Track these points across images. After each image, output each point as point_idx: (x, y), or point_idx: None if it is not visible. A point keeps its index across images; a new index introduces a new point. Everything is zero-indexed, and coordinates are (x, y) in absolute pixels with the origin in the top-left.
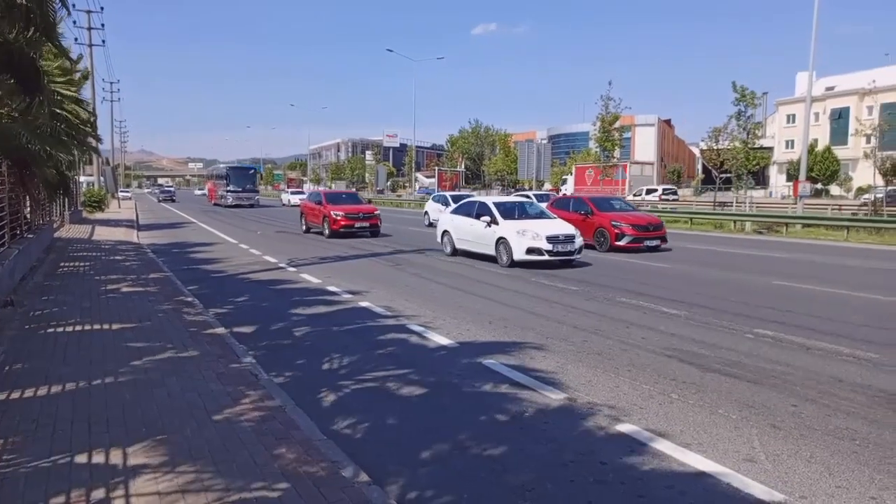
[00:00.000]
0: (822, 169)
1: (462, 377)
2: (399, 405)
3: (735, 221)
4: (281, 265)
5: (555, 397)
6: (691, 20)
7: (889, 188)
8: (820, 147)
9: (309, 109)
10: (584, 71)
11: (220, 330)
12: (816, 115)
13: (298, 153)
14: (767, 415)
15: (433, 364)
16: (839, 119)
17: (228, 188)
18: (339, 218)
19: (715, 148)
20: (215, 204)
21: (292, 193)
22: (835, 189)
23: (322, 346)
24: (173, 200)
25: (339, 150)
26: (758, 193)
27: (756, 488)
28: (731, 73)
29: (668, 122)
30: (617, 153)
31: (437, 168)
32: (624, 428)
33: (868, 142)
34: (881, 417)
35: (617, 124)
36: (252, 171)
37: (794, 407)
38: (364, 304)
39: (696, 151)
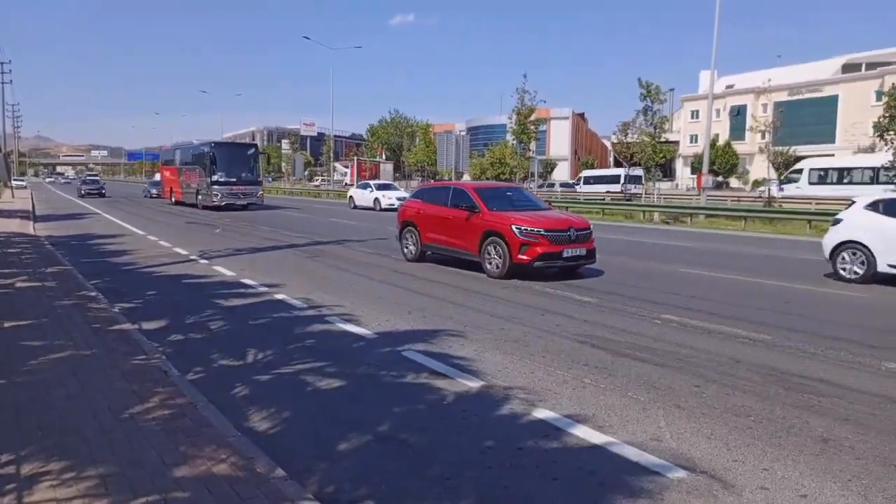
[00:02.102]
0: (723, 162)
1: (381, 368)
2: (317, 398)
3: (644, 212)
4: (192, 257)
5: (473, 385)
6: (603, 14)
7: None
8: (721, 142)
9: (222, 96)
10: (501, 63)
11: (127, 326)
12: (718, 111)
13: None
14: (672, 396)
15: (352, 355)
16: (738, 116)
17: (215, 178)
18: (531, 238)
19: (625, 141)
20: (178, 203)
21: (378, 188)
22: (734, 181)
23: (236, 341)
24: (102, 195)
25: (254, 139)
26: (665, 185)
27: (661, 465)
28: (642, 68)
29: (581, 115)
30: (533, 146)
31: (355, 157)
32: (539, 413)
33: (763, 137)
34: (773, 394)
35: (533, 117)
36: (252, 150)
37: (696, 387)
38: (280, 296)
39: (608, 144)
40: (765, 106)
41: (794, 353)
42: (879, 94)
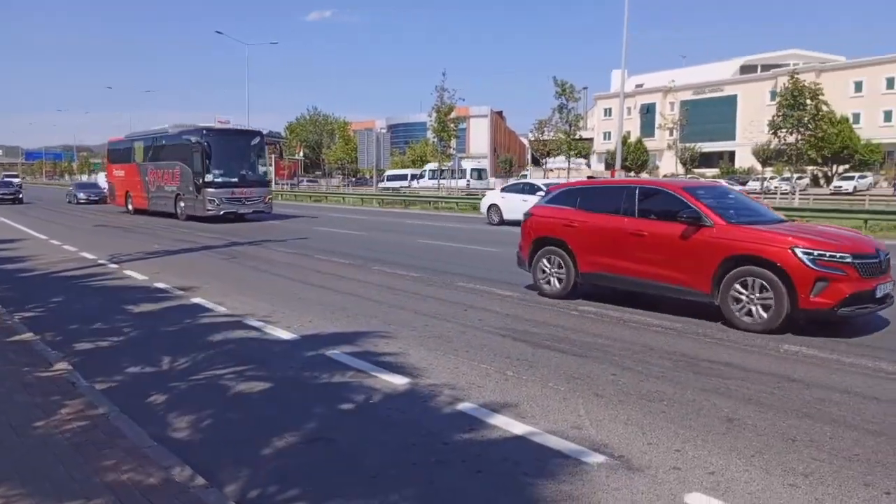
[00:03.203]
0: (635, 158)
1: (304, 370)
2: (238, 403)
3: None
4: (101, 262)
5: (397, 382)
6: (519, 12)
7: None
8: (633, 138)
9: (130, 93)
10: (421, 61)
11: (28, 335)
12: (629, 109)
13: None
14: (591, 384)
15: (273, 359)
16: (647, 113)
17: (208, 178)
18: (834, 269)
19: (541, 139)
20: (139, 212)
21: (522, 190)
22: (645, 177)
23: (150, 348)
24: (18, 201)
25: None
26: None
27: (582, 452)
28: (558, 67)
29: (500, 113)
30: (453, 144)
31: (272, 155)
32: (464, 407)
33: (671, 134)
34: (684, 379)
35: (452, 115)
36: (257, 138)
37: (613, 375)
38: (196, 300)
39: (526, 142)
40: (672, 104)
41: (703, 339)
42: (773, 94)
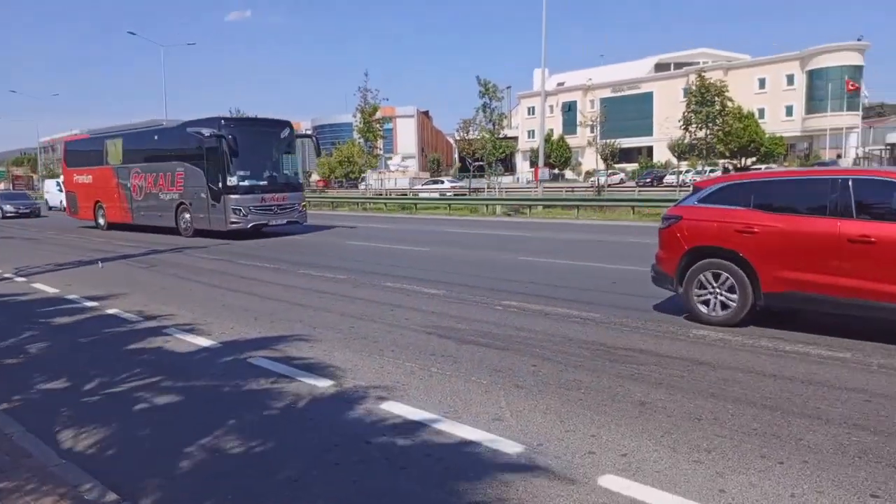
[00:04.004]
0: (558, 156)
1: (225, 377)
2: (153, 414)
3: (487, 205)
4: (6, 276)
5: (321, 385)
6: (443, 11)
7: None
8: (555, 136)
9: (37, 97)
10: (346, 61)
11: None
12: (551, 107)
13: (26, 146)
14: (512, 376)
15: (193, 367)
16: (569, 111)
17: (231, 181)
18: None
19: (466, 138)
20: (114, 226)
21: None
22: (569, 173)
23: (62, 362)
24: None
25: None
26: (507, 179)
27: (502, 443)
28: (483, 65)
29: (426, 113)
30: (380, 144)
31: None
32: (388, 406)
33: (592, 131)
34: (601, 367)
35: (378, 115)
36: (286, 130)
37: (534, 367)
38: (112, 311)
39: (452, 141)
40: (592, 102)
41: (620, 328)
42: (686, 92)
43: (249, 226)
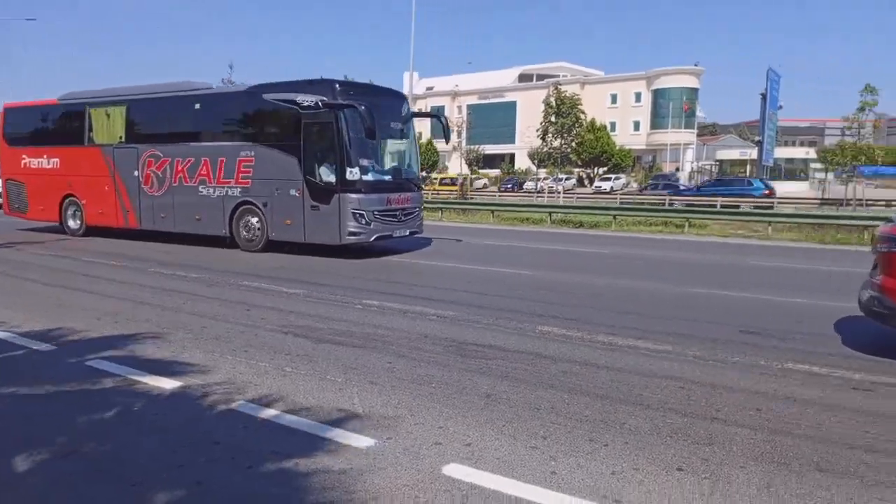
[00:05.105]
0: (426, 159)
1: (62, 381)
2: None
3: None
4: None
5: (168, 386)
6: (311, 12)
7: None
8: (424, 140)
9: None
10: (206, 56)
11: None
12: (420, 111)
13: None
14: (367, 374)
15: (25, 372)
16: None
17: (353, 177)
18: None
19: None
20: (95, 232)
21: None
22: (435, 177)
23: None
24: None
25: None
26: None
27: (353, 438)
28: (351, 67)
29: None
30: None
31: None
32: (237, 405)
33: (458, 136)
34: (451, 362)
35: None
36: (405, 106)
37: (389, 364)
38: None
39: None
40: (459, 108)
41: (472, 324)
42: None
43: (373, 238)
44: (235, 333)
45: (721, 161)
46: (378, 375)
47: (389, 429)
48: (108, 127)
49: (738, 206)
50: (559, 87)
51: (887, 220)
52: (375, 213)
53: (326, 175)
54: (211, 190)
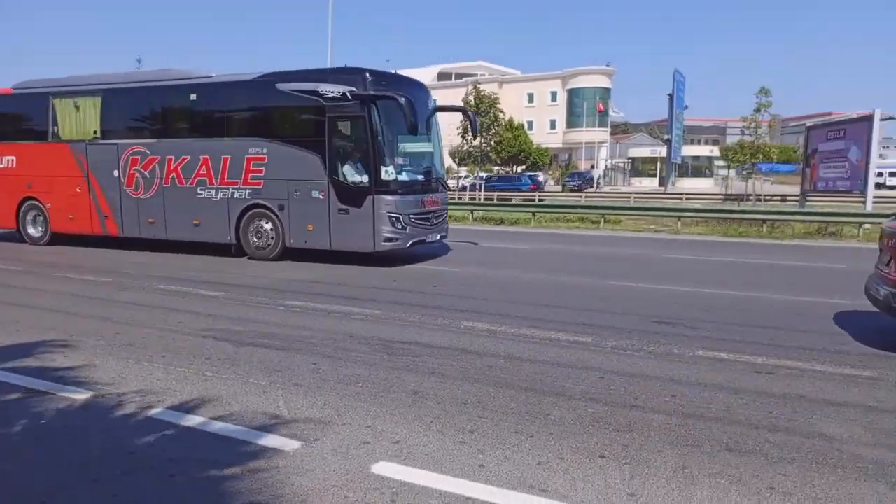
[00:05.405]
0: None
1: None
2: None
3: None
4: None
5: (79, 397)
6: (216, 11)
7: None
8: None
9: None
10: (119, 63)
11: None
12: None
13: None
14: (292, 376)
15: None
16: None
17: (388, 176)
18: None
19: None
20: (60, 240)
21: None
22: None
23: None
24: None
25: None
26: None
27: (280, 442)
28: (271, 66)
29: None
30: None
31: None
32: (156, 413)
33: None
34: (379, 361)
35: None
36: (431, 100)
37: (314, 364)
38: None
39: None
40: None
41: (398, 322)
42: (464, 102)
43: (409, 244)
44: (152, 339)
45: (633, 159)
46: (303, 377)
47: (317, 430)
48: (79, 120)
49: (628, 201)
50: (478, 85)
51: (894, 215)
52: (411, 216)
53: (358, 175)
54: (213, 191)
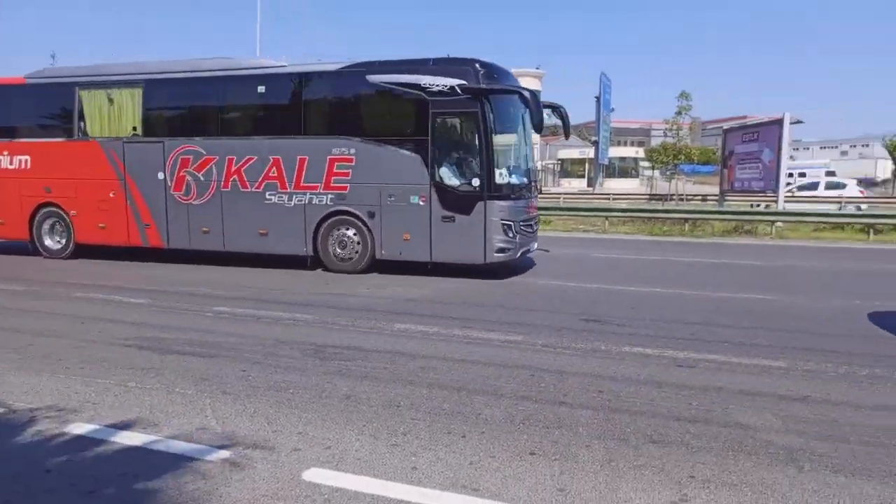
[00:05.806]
0: None
1: None
2: None
3: None
4: None
5: None
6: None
7: None
8: None
9: None
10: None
11: None
12: None
13: None
14: (220, 384)
15: None
16: None
17: (501, 181)
18: None
19: None
20: (84, 252)
21: None
22: None
23: None
24: None
25: None
26: None
27: (207, 452)
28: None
29: None
30: None
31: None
32: (74, 428)
33: None
34: (310, 366)
35: None
36: (530, 93)
37: (243, 372)
38: None
39: None
40: None
41: (330, 327)
42: None
43: (518, 254)
44: (70, 350)
45: (562, 160)
46: (232, 385)
47: (246, 439)
48: (113, 115)
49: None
50: None
51: None
52: (521, 224)
53: (467, 178)
54: (285, 197)
